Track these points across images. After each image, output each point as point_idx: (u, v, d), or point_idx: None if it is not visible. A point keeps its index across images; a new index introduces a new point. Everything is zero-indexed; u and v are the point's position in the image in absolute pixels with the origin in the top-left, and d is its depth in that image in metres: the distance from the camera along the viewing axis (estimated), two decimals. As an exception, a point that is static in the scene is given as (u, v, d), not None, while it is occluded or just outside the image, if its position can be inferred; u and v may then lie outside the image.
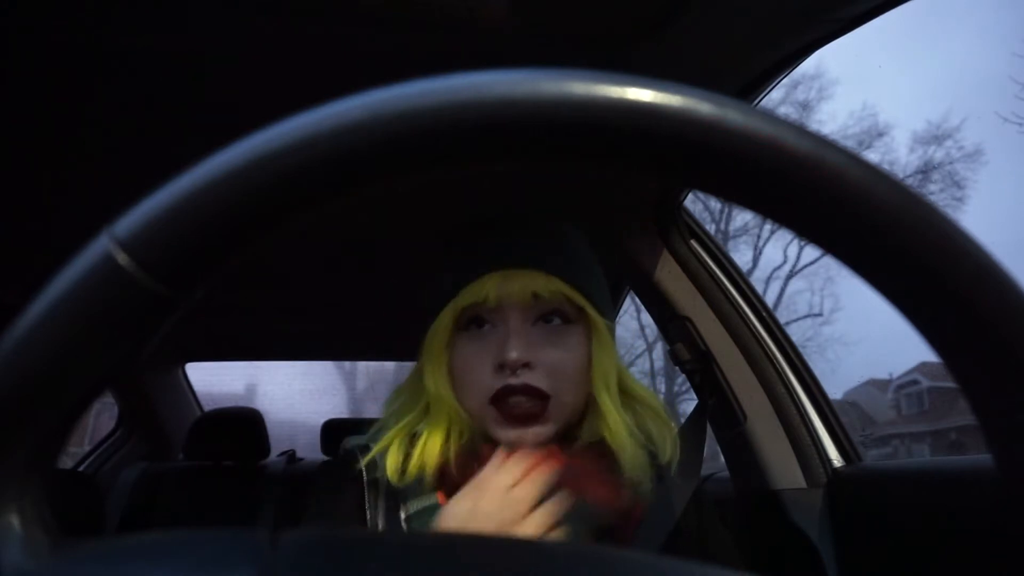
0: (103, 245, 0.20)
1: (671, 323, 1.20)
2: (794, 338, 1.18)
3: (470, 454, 0.66)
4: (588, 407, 0.69)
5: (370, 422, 0.73)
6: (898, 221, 0.19)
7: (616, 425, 0.66)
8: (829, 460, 1.09)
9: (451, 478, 0.66)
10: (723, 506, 1.16)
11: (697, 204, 13.55)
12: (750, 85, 0.88)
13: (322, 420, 2.20)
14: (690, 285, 1.19)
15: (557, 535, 0.61)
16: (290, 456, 2.16)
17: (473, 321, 0.67)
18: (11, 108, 0.93)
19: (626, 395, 0.71)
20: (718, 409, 1.16)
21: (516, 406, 0.64)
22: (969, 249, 0.19)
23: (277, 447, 2.15)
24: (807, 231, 0.20)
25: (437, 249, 0.73)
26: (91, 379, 0.21)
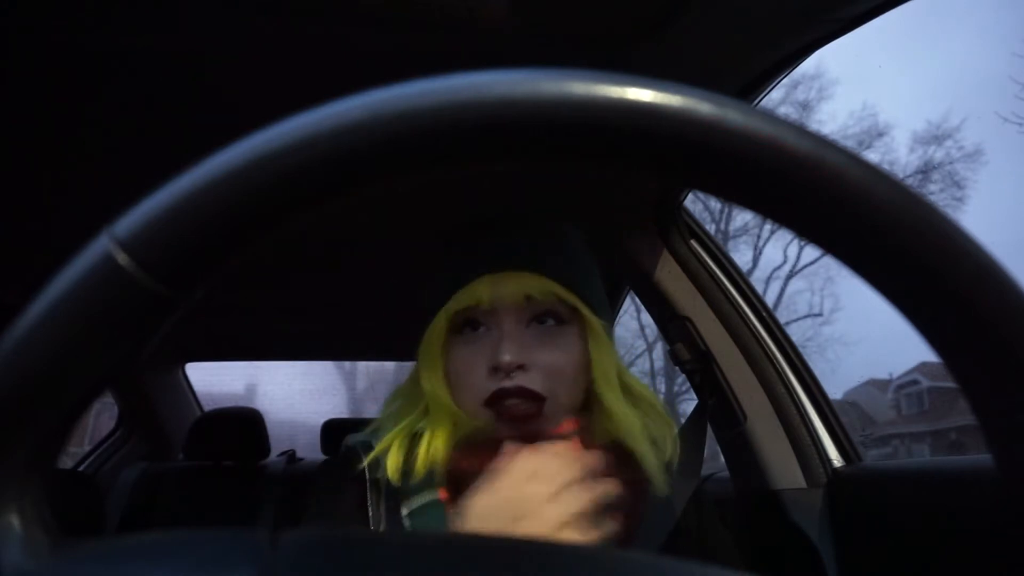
0: (103, 245, 0.20)
1: (671, 323, 1.20)
2: (794, 338, 1.18)
3: (475, 450, 0.66)
4: (593, 407, 0.69)
5: (370, 422, 0.73)
6: (898, 221, 0.19)
7: (627, 421, 0.66)
8: (829, 460, 1.09)
9: (453, 474, 0.66)
10: (723, 506, 1.16)
11: (697, 204, 13.56)
12: (750, 85, 0.88)
13: (322, 420, 2.20)
14: (690, 285, 1.19)
15: (578, 529, 0.59)
16: (290, 456, 2.16)
17: (468, 324, 0.67)
18: (11, 108, 0.93)
19: (627, 393, 0.71)
20: (718, 409, 1.16)
21: (511, 408, 0.64)
22: (969, 249, 0.19)
23: (277, 447, 2.15)
24: (807, 231, 0.20)
25: (436, 249, 0.73)
26: (91, 379, 0.21)
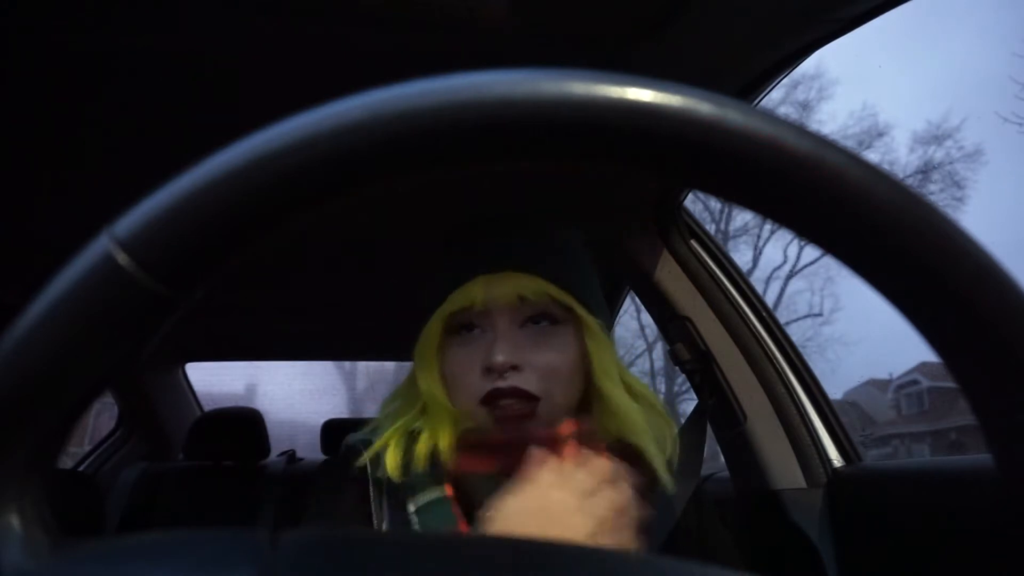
0: (103, 245, 0.20)
1: (671, 323, 1.20)
2: (794, 338, 1.18)
3: (476, 449, 0.66)
4: (592, 407, 0.69)
5: (370, 422, 0.73)
6: (898, 221, 0.19)
7: (632, 417, 0.67)
8: (829, 460, 1.09)
9: (455, 472, 0.66)
10: (723, 506, 1.16)
11: (697, 204, 13.56)
12: (750, 85, 0.88)
13: (322, 420, 2.20)
14: (690, 285, 1.19)
15: (604, 537, 0.59)
16: (290, 456, 2.16)
17: (463, 325, 0.67)
18: (11, 108, 0.93)
19: (627, 392, 0.71)
20: (718, 409, 1.16)
21: (506, 408, 0.64)
22: (969, 249, 0.19)
23: (277, 447, 2.15)
24: (807, 231, 0.20)
25: (435, 250, 0.73)
26: (91, 379, 0.21)
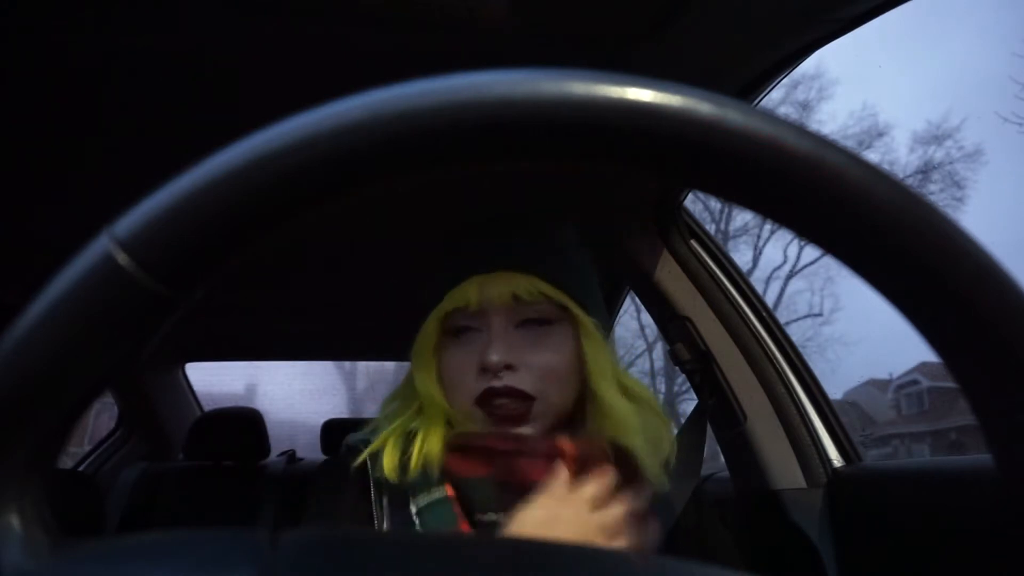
0: (103, 245, 0.20)
1: (671, 323, 1.20)
2: (794, 338, 1.18)
3: (470, 450, 0.66)
4: (587, 407, 0.69)
5: (370, 422, 0.73)
6: (898, 221, 0.19)
7: (624, 418, 0.66)
8: (829, 460, 1.09)
9: (455, 471, 0.66)
10: (723, 506, 1.17)
11: (697, 204, 13.56)
12: (750, 85, 0.88)
13: (322, 420, 2.20)
14: (690, 285, 1.19)
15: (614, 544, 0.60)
16: (290, 456, 2.16)
17: (459, 325, 0.68)
18: (11, 108, 0.93)
19: (623, 392, 0.71)
20: (718, 409, 1.16)
21: (500, 408, 0.65)
22: (969, 249, 0.19)
23: (277, 447, 2.15)
24: (807, 231, 0.20)
25: (434, 250, 0.73)
26: (91, 379, 0.21)
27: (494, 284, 0.65)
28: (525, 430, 0.66)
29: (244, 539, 0.21)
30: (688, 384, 1.23)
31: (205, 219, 0.20)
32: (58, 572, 0.20)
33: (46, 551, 0.21)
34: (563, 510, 0.60)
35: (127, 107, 0.94)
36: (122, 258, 0.20)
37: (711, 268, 1.19)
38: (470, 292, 0.66)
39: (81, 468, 2.29)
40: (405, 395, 0.72)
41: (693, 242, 1.21)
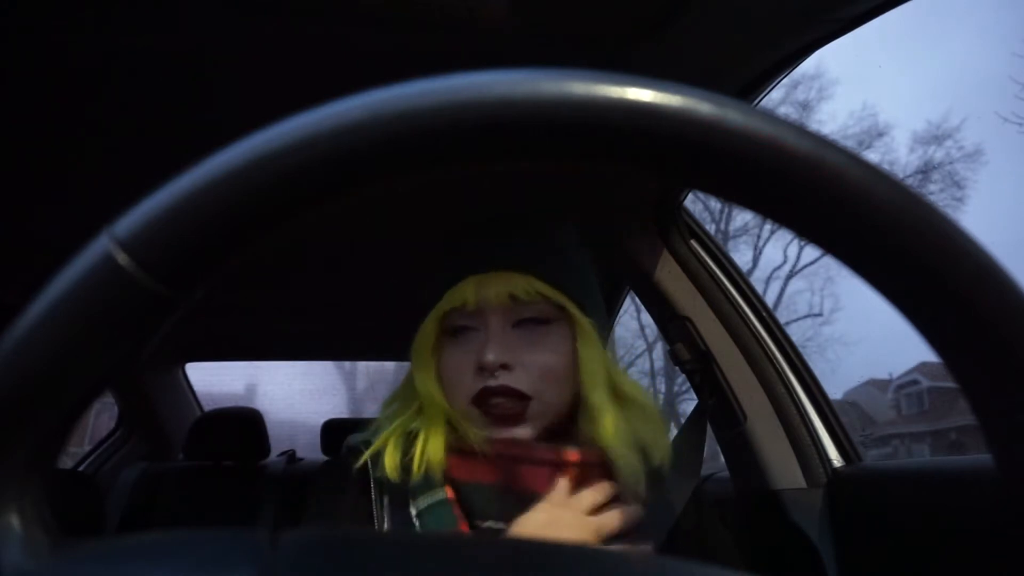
0: (103, 245, 0.20)
1: (671, 323, 1.20)
2: (794, 338, 1.18)
3: (470, 452, 0.66)
4: (579, 408, 0.69)
5: (370, 422, 0.73)
6: (898, 221, 0.19)
7: (610, 426, 0.66)
8: (829, 460, 1.09)
9: (454, 473, 0.66)
10: (723, 506, 1.16)
11: (697, 204, 13.57)
12: (750, 85, 0.88)
13: (322, 420, 2.20)
14: (690, 285, 1.19)
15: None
16: (290, 456, 2.16)
17: (458, 325, 0.68)
18: (11, 108, 0.93)
19: (617, 395, 0.70)
20: (718, 409, 1.16)
21: (496, 407, 0.65)
22: (969, 249, 0.19)
23: (277, 447, 2.15)
24: (807, 231, 0.20)
25: (434, 250, 0.73)
26: (91, 379, 0.21)
27: (491, 284, 0.65)
28: (522, 430, 0.66)
29: (244, 539, 0.21)
30: (688, 384, 1.23)
31: (205, 219, 0.20)
32: (58, 572, 0.20)
33: (46, 551, 0.21)
34: (562, 516, 0.60)
35: (127, 107, 0.94)
36: (122, 258, 0.20)
37: (711, 268, 1.19)
38: (467, 292, 0.66)
39: (81, 468, 2.29)
40: (405, 395, 0.72)
41: (693, 242, 1.21)
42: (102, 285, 0.20)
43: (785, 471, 1.10)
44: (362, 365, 7.11)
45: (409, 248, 1.40)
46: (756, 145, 0.19)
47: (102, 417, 2.91)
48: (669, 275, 1.19)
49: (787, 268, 16.21)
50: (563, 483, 0.63)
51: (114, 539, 0.21)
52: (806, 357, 1.17)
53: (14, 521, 0.21)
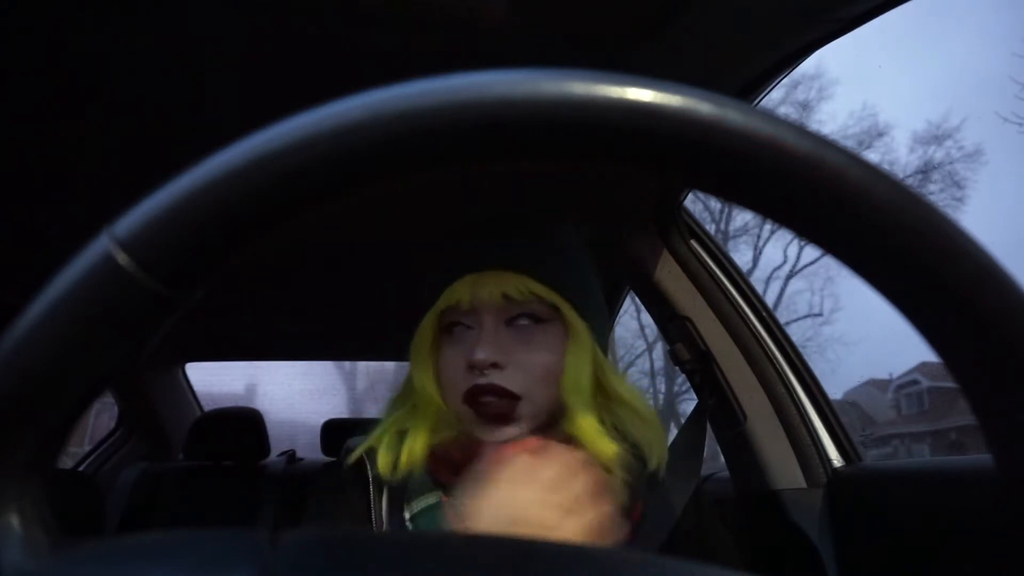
0: (103, 245, 0.20)
1: (671, 323, 1.20)
2: (794, 338, 1.18)
3: (458, 450, 0.66)
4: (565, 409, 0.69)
5: (370, 422, 0.73)
6: (898, 221, 0.19)
7: (585, 425, 0.66)
8: (829, 460, 1.09)
9: (439, 477, 0.66)
10: (723, 506, 1.16)
11: (697, 204, 13.58)
12: (750, 85, 0.88)
13: (322, 420, 2.20)
14: (690, 285, 1.19)
15: (578, 522, 0.58)
16: (290, 456, 2.16)
17: (454, 323, 0.68)
18: (11, 108, 0.93)
19: (608, 397, 0.70)
20: (718, 409, 1.16)
21: (487, 405, 0.65)
22: (969, 249, 0.19)
23: (277, 447, 2.15)
24: (807, 231, 0.20)
25: (434, 250, 0.73)
26: (91, 379, 0.21)
27: (486, 283, 0.66)
28: (511, 429, 0.66)
29: (244, 539, 0.21)
30: (688, 384, 1.23)
31: (205, 219, 0.20)
32: (58, 572, 0.20)
33: (46, 551, 0.21)
34: (520, 491, 0.57)
35: (127, 107, 0.94)
36: (122, 258, 0.20)
37: (711, 268, 1.19)
38: (462, 290, 0.66)
39: (81, 468, 2.29)
40: (404, 393, 0.73)
41: (693, 242, 1.21)
42: (102, 285, 0.20)
43: (785, 471, 1.10)
44: (362, 365, 7.11)
45: (409, 248, 1.40)
46: (756, 145, 0.19)
47: (102, 417, 2.91)
48: (669, 275, 1.19)
49: (787, 268, 16.23)
50: (520, 460, 0.60)
51: (114, 539, 0.21)
52: (806, 357, 1.17)
53: (14, 521, 0.21)
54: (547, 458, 0.60)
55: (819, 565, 1.01)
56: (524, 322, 0.67)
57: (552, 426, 0.68)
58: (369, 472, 0.69)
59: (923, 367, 16.70)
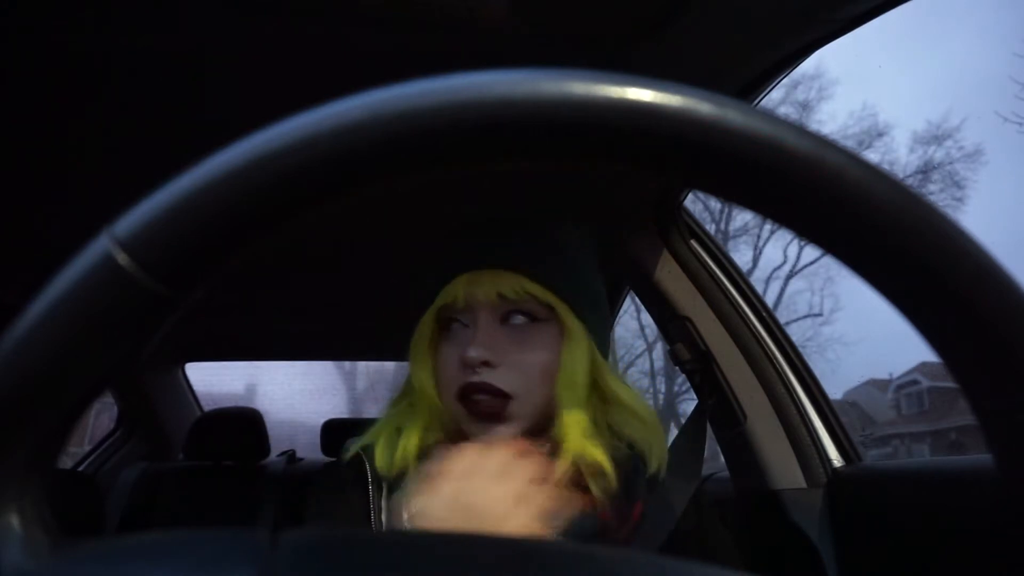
0: (103, 245, 0.20)
1: (671, 323, 1.20)
2: (794, 338, 1.18)
3: (450, 449, 0.66)
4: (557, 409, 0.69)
5: (370, 422, 0.73)
6: (898, 221, 0.19)
7: (572, 425, 0.65)
8: (829, 460, 1.09)
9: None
10: (723, 506, 1.17)
11: (697, 204, 13.58)
12: (750, 85, 0.88)
13: (322, 420, 2.20)
14: (690, 285, 1.19)
15: (528, 510, 0.58)
16: (290, 456, 2.16)
17: (451, 321, 0.68)
18: (11, 108, 0.93)
19: (605, 398, 0.70)
20: (718, 409, 1.16)
21: (479, 403, 0.65)
22: (969, 249, 0.19)
23: (277, 447, 2.15)
24: (807, 231, 0.20)
25: (434, 250, 0.73)
26: (91, 379, 0.21)
27: (481, 282, 0.66)
28: (503, 428, 0.66)
29: (244, 539, 0.21)
30: (688, 384, 1.23)
31: (205, 219, 0.20)
32: (58, 572, 0.20)
33: (46, 551, 0.21)
34: (468, 484, 0.58)
35: (127, 107, 0.94)
36: (122, 258, 0.20)
37: (711, 268, 1.19)
38: (458, 288, 0.67)
39: (81, 468, 2.29)
40: (404, 391, 0.73)
41: (693, 242, 1.21)
42: (102, 285, 0.20)
43: (785, 471, 1.10)
44: (362, 365, 7.11)
45: (409, 248, 1.40)
46: (756, 145, 0.19)
47: (102, 417, 2.91)
48: (669, 275, 1.19)
49: (787, 268, 16.23)
50: (468, 452, 0.60)
51: (114, 539, 0.21)
52: (806, 357, 1.17)
53: (14, 521, 0.21)
54: (492, 449, 0.60)
55: (819, 565, 1.01)
56: (519, 321, 0.67)
57: (547, 426, 0.68)
58: (369, 472, 0.69)
59: (923, 367, 16.70)
